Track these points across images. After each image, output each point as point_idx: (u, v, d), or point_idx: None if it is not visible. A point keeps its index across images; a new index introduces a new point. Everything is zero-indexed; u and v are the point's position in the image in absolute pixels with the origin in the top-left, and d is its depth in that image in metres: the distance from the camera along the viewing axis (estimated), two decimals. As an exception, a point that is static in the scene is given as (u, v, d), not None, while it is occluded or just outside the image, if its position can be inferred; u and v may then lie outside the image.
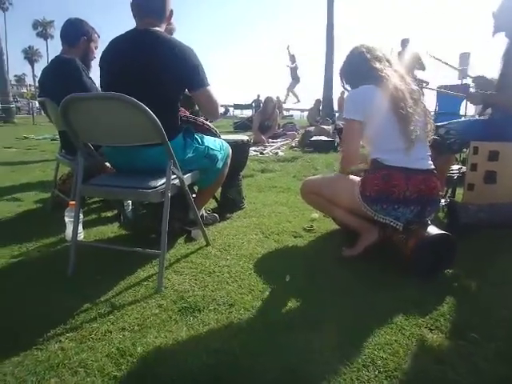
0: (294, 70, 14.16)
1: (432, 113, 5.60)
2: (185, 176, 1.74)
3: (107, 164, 2.12)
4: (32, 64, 62.16)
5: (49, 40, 58.92)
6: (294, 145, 6.46)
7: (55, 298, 1.45)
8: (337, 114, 12.37)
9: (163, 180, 1.61)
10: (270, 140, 6.73)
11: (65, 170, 2.91)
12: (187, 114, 2.21)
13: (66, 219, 1.97)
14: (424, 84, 5.05)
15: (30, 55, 62.06)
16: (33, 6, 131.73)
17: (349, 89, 1.90)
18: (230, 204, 2.59)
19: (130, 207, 2.29)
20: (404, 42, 7.18)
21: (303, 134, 6.48)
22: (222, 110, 2.23)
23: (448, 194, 2.62)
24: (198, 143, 1.91)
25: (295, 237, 2.12)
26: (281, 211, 2.60)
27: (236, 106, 18.91)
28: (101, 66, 1.83)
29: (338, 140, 5.81)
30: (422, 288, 1.50)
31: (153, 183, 1.59)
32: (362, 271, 1.66)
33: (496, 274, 1.63)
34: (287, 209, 2.67)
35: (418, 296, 1.44)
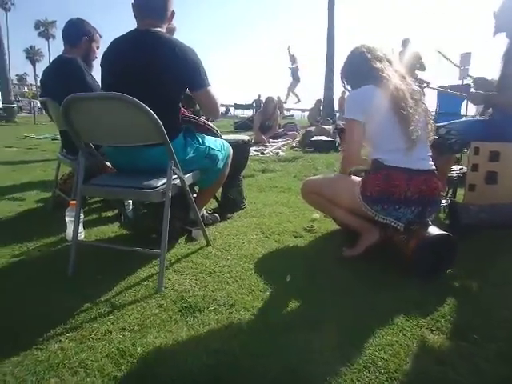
0: (294, 71, 14.15)
1: (433, 113, 5.59)
2: (186, 176, 1.74)
3: (108, 164, 2.12)
4: (34, 64, 62.35)
5: (50, 40, 59.20)
6: (294, 145, 6.46)
7: (55, 297, 1.45)
8: (337, 114, 12.37)
9: (164, 180, 1.61)
10: (271, 140, 6.73)
11: (66, 170, 2.91)
12: (188, 113, 2.21)
13: (67, 219, 1.97)
14: (425, 84, 5.04)
15: (32, 55, 62.24)
16: (35, 7, 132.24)
17: (350, 89, 1.90)
18: (230, 204, 2.59)
19: (131, 207, 2.29)
20: (405, 42, 7.18)
21: (304, 134, 6.48)
22: (222, 109, 2.23)
23: (449, 195, 2.62)
24: (199, 143, 1.91)
25: (296, 237, 2.12)
26: (281, 211, 2.60)
27: (237, 106, 18.93)
28: (102, 66, 1.83)
29: (338, 140, 5.81)
30: (422, 288, 1.50)
31: (154, 183, 1.59)
32: (362, 271, 1.66)
33: (497, 275, 1.63)
34: (288, 209, 2.67)
35: (418, 296, 1.44)
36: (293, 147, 6.24)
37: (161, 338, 1.21)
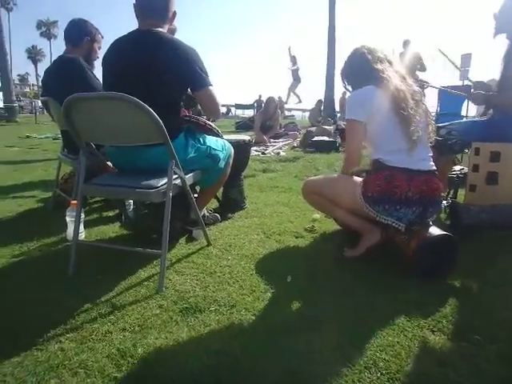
0: (295, 71, 14.15)
1: (433, 113, 5.59)
2: (186, 176, 1.74)
3: (109, 163, 2.12)
4: (35, 63, 62.49)
5: (52, 40, 59.27)
6: (295, 145, 6.46)
7: (55, 297, 1.45)
8: (338, 115, 12.38)
9: (165, 180, 1.60)
10: (272, 140, 6.72)
11: (67, 170, 2.91)
12: (189, 113, 2.21)
13: (68, 219, 1.97)
14: (425, 84, 5.04)
15: (34, 55, 62.36)
16: (37, 7, 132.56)
17: (350, 89, 1.90)
18: (231, 204, 2.59)
19: (132, 207, 2.29)
20: (406, 43, 7.18)
21: (305, 134, 6.47)
22: (223, 109, 2.24)
23: (450, 195, 2.61)
24: (200, 143, 1.90)
25: (297, 237, 2.11)
26: (282, 211, 2.60)
27: (238, 106, 18.91)
28: (103, 66, 1.83)
29: (339, 140, 5.82)
30: (423, 289, 1.49)
31: (154, 183, 1.59)
32: (363, 272, 1.66)
33: (498, 275, 1.63)
34: (289, 209, 2.67)
35: (419, 297, 1.43)
36: (294, 147, 6.23)
37: (161, 338, 1.20)
